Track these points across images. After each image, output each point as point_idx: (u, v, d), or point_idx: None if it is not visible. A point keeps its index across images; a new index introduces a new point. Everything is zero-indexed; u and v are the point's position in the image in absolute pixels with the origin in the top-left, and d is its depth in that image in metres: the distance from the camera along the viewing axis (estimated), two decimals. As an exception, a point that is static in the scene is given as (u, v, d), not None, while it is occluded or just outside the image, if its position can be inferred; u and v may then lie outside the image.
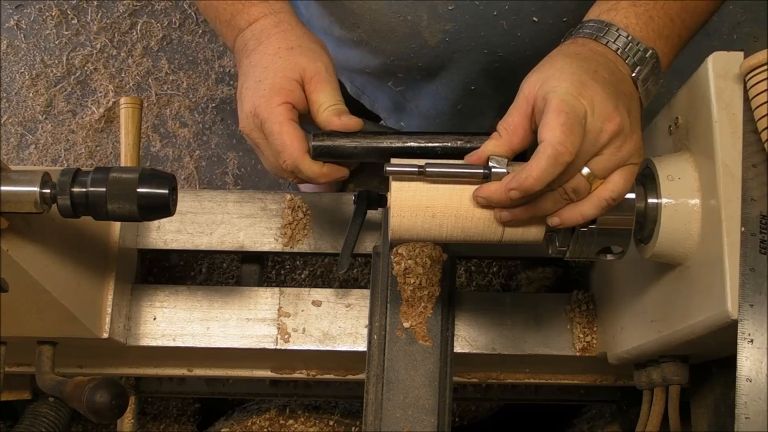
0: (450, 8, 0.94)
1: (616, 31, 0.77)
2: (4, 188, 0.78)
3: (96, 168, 0.81)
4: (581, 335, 1.11)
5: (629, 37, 0.76)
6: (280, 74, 0.83)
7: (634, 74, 0.76)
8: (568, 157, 0.69)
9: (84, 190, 0.80)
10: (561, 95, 0.70)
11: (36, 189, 0.79)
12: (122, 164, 1.27)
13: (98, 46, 1.98)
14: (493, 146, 0.75)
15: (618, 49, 0.76)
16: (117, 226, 1.08)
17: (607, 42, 0.76)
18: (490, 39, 0.97)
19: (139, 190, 0.80)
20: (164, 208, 0.81)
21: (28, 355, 1.04)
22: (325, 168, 0.84)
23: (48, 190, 0.80)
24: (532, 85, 0.73)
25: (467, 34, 0.96)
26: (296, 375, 1.20)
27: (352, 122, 0.83)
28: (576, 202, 0.74)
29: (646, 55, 0.76)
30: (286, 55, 0.84)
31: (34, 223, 0.86)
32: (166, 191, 0.81)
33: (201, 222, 1.17)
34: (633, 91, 0.76)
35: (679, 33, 0.79)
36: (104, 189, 0.80)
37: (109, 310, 1.05)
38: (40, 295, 0.91)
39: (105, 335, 1.05)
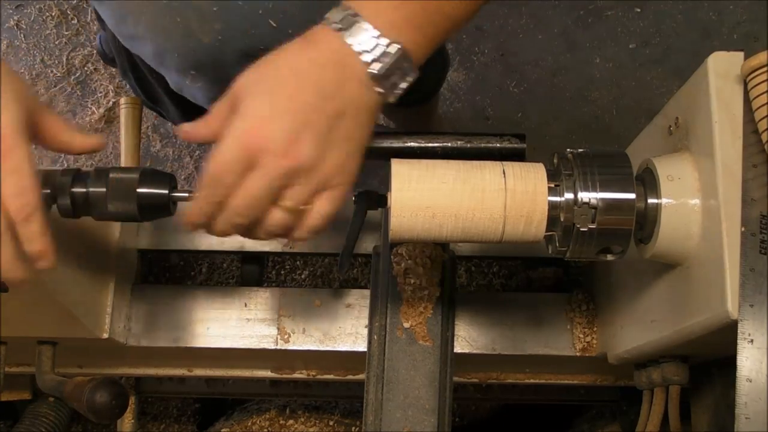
0: (215, 9, 0.92)
1: (355, 18, 0.72)
2: None
3: (96, 168, 0.81)
4: (581, 335, 1.11)
5: (369, 29, 0.72)
6: (17, 102, 0.70)
7: (370, 70, 0.72)
8: (219, 193, 0.72)
9: (84, 190, 0.80)
10: (233, 129, 0.71)
11: None
12: (122, 164, 1.27)
13: (98, 46, 1.97)
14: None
15: (354, 44, 0.72)
16: (117, 226, 1.08)
17: (345, 35, 0.72)
18: (263, 37, 0.93)
19: (139, 190, 0.80)
20: (164, 208, 0.81)
21: (28, 355, 1.04)
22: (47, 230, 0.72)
23: (48, 191, 0.79)
24: (240, 85, 0.73)
25: (238, 32, 0.94)
26: (296, 375, 1.20)
27: (95, 139, 0.78)
28: (293, 228, 0.75)
29: (388, 49, 0.72)
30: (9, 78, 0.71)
31: None
32: (166, 191, 0.81)
33: (201, 222, 1.17)
34: (353, 98, 0.73)
35: (434, 21, 0.74)
36: (104, 189, 0.80)
37: (109, 310, 1.05)
38: (41, 296, 0.91)
39: (105, 335, 1.05)
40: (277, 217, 0.74)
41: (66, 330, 1.01)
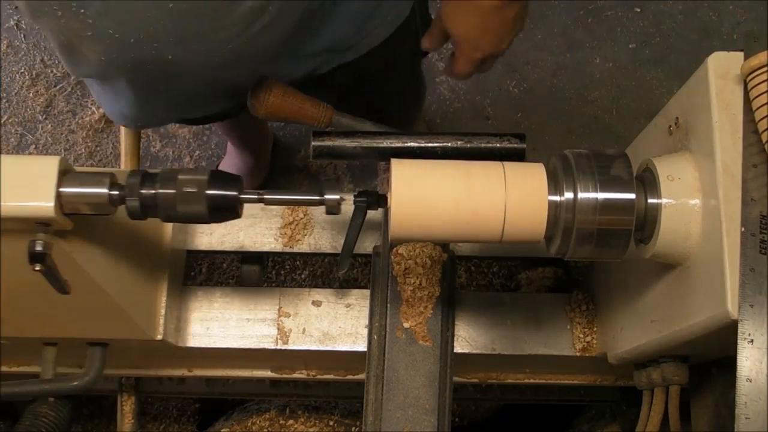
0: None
1: None
2: (72, 189, 0.77)
3: (163, 170, 0.81)
4: (581, 335, 1.11)
5: None
6: None
7: None
8: None
9: (153, 191, 0.79)
10: None
11: (105, 191, 0.78)
12: (122, 164, 1.27)
13: (98, 46, 1.97)
14: None
15: None
16: (169, 227, 1.08)
17: None
18: None
19: (208, 191, 0.79)
20: (233, 209, 0.81)
21: (74, 357, 1.04)
22: None
23: (116, 192, 0.79)
24: None
25: None
26: (296, 375, 1.20)
27: None
28: None
29: None
30: None
31: (94, 225, 0.85)
32: (236, 193, 0.80)
33: (201, 222, 1.17)
34: None
35: None
36: (174, 191, 0.79)
37: (163, 311, 1.05)
38: (99, 297, 0.91)
39: (159, 337, 1.05)
40: None
41: (121, 332, 1.00)
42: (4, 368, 1.19)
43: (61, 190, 0.75)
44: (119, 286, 0.93)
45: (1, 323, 0.94)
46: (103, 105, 1.16)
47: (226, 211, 0.81)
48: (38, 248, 0.75)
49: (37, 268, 0.76)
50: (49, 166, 0.76)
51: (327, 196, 0.82)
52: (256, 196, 0.81)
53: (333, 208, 0.83)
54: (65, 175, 0.76)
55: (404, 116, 1.52)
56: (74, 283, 0.82)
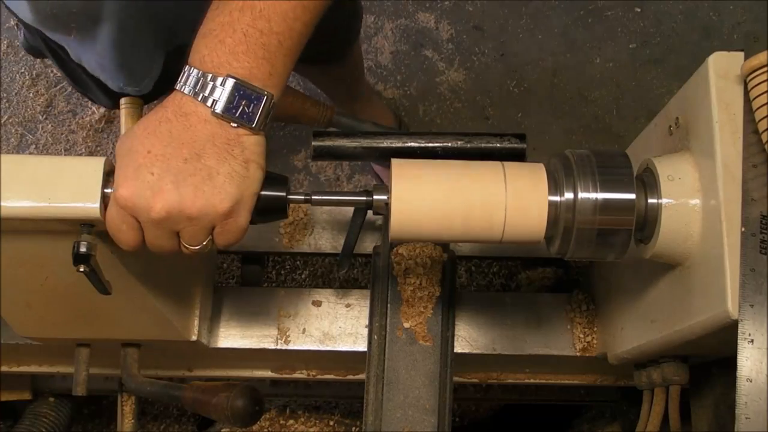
0: None
1: (188, 70, 0.75)
2: None
3: None
4: (581, 335, 1.11)
5: (194, 72, 0.74)
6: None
7: (213, 109, 0.73)
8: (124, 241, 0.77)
9: None
10: (112, 194, 0.75)
11: None
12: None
13: (98, 46, 1.97)
14: None
15: (187, 90, 0.74)
16: None
17: (181, 87, 0.75)
18: None
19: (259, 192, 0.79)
20: (281, 210, 0.81)
21: (108, 358, 1.05)
22: None
23: None
24: (115, 155, 0.78)
25: None
26: (296, 375, 1.20)
27: None
28: None
29: (219, 84, 0.73)
30: None
31: None
32: (284, 194, 0.80)
33: (201, 222, 1.17)
34: (207, 137, 0.74)
35: (265, 43, 0.74)
36: None
37: (198, 312, 1.05)
38: (139, 298, 0.91)
39: (194, 338, 1.05)
40: (187, 252, 0.79)
41: (157, 333, 1.01)
42: (36, 368, 1.19)
43: (106, 191, 0.75)
44: (157, 287, 0.93)
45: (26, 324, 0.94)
46: (87, 62, 1.09)
47: (274, 211, 0.80)
48: (83, 249, 0.75)
49: (81, 270, 0.75)
50: (95, 167, 0.75)
51: (375, 197, 0.82)
52: (303, 197, 0.81)
53: (380, 209, 0.82)
54: (110, 176, 0.76)
55: (342, 42, 1.42)
56: (114, 284, 0.82)
